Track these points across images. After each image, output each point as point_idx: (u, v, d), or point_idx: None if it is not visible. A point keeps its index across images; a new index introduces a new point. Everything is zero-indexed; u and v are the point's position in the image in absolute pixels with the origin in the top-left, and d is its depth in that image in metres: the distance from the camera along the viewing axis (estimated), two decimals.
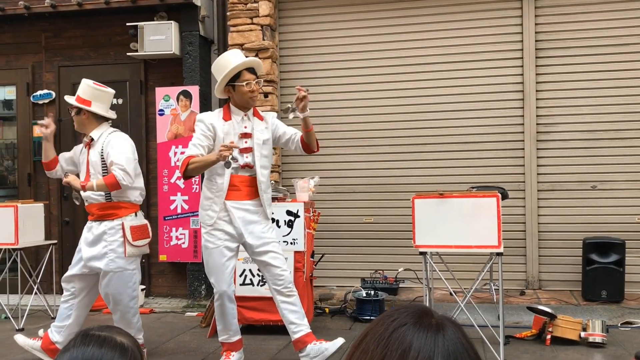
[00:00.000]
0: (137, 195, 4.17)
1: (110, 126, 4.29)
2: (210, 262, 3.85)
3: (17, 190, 6.81)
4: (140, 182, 4.20)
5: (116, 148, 4.04)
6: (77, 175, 4.26)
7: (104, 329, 1.12)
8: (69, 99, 4.21)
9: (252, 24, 5.87)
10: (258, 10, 5.86)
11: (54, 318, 5.49)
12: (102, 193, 4.06)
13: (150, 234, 4.26)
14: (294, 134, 3.94)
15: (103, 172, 4.07)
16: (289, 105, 3.74)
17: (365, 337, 0.88)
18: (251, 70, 3.84)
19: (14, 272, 5.64)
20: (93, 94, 4.17)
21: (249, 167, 3.83)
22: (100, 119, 4.20)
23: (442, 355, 0.82)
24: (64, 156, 4.38)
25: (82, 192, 4.12)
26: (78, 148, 4.35)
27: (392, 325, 0.87)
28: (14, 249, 5.27)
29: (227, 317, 3.90)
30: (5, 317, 5.43)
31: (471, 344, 0.87)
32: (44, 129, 4.26)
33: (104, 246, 4.02)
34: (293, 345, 3.92)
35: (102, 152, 4.07)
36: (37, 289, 5.52)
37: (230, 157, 3.59)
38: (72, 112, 4.22)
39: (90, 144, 4.14)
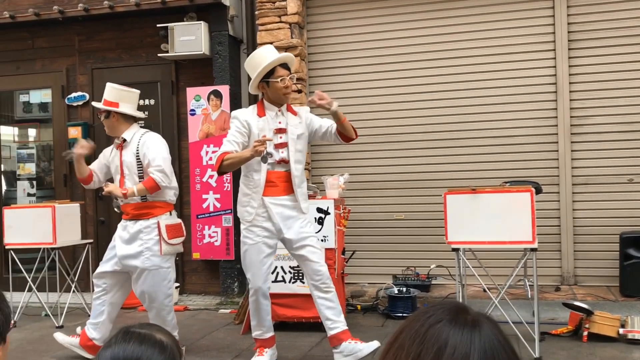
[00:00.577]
0: (171, 195, 4.23)
1: (141, 127, 4.36)
2: (248, 257, 3.88)
3: (53, 191, 6.97)
4: (174, 182, 4.25)
5: (152, 149, 4.10)
6: (111, 180, 4.35)
7: (145, 326, 1.15)
8: (97, 104, 4.29)
9: (281, 22, 5.90)
10: (286, 8, 5.88)
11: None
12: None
13: (184, 233, 4.33)
14: (330, 125, 3.92)
15: (139, 173, 4.13)
16: (265, 153, 3.69)
17: (401, 334, 0.88)
18: (285, 66, 3.86)
19: (52, 270, 5.79)
20: (119, 96, 4.25)
21: (284, 162, 3.84)
22: (130, 120, 4.26)
23: (479, 352, 0.82)
24: (96, 166, 4.44)
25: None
26: (107, 151, 4.41)
27: (428, 321, 0.87)
28: (52, 249, 5.40)
29: (261, 314, 3.93)
30: (45, 315, 5.57)
31: (508, 341, 0.87)
32: (79, 148, 4.23)
33: (139, 244, 4.09)
34: (329, 341, 3.94)
35: (137, 153, 4.13)
36: (75, 287, 5.64)
37: (266, 152, 3.62)
38: (102, 117, 4.28)
39: (122, 145, 4.21)
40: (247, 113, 3.90)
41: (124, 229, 4.20)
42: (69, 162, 6.71)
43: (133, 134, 4.21)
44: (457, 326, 0.85)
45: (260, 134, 3.78)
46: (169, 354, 1.10)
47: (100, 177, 4.43)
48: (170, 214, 4.22)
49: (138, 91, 4.42)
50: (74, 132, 6.63)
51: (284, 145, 3.84)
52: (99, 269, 4.28)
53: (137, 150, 4.13)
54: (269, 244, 3.87)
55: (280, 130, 3.84)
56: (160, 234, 4.10)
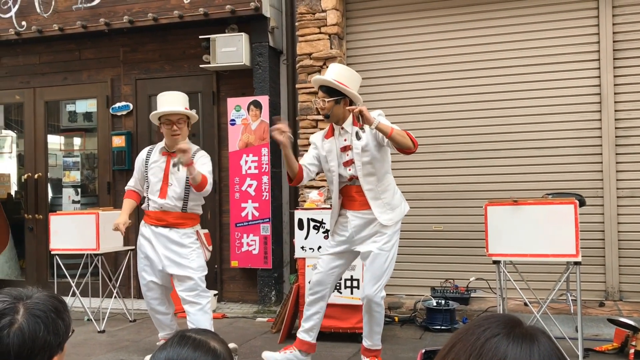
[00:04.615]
0: (200, 209, 4.45)
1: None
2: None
3: (97, 198, 7.14)
4: (202, 200, 4.46)
5: (207, 165, 4.25)
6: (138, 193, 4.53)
7: (201, 332, 1.17)
8: (178, 109, 4.27)
9: (320, 33, 5.94)
10: (326, 19, 5.92)
11: (132, 321, 5.73)
12: (180, 204, 4.23)
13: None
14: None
15: (186, 185, 4.24)
16: (358, 128, 3.75)
17: (454, 347, 0.87)
18: (323, 88, 3.87)
19: (95, 276, 5.92)
20: (187, 102, 4.44)
21: (355, 178, 3.84)
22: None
23: None
24: (137, 183, 4.50)
25: (157, 201, 4.26)
26: (141, 160, 4.44)
27: (484, 335, 0.85)
28: (96, 255, 5.53)
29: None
30: (88, 320, 5.69)
31: (564, 355, 0.85)
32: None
33: (181, 248, 4.22)
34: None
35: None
36: (117, 292, 5.76)
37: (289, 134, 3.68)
38: (182, 124, 4.28)
39: (172, 154, 4.28)
40: (318, 136, 4.04)
41: (157, 234, 4.25)
42: (113, 170, 6.89)
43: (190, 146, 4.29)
44: (515, 340, 0.83)
45: (328, 156, 3.88)
46: None
47: (143, 191, 4.53)
48: (199, 225, 4.45)
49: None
50: (118, 141, 6.80)
51: (350, 162, 3.83)
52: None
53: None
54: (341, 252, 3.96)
55: (346, 148, 3.85)
56: (201, 241, 4.28)
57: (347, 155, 3.83)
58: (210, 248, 4.49)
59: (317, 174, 4.07)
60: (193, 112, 4.42)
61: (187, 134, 4.38)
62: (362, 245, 3.87)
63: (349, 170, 3.83)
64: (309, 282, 4.23)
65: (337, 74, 3.85)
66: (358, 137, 3.77)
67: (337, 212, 3.94)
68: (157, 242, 4.27)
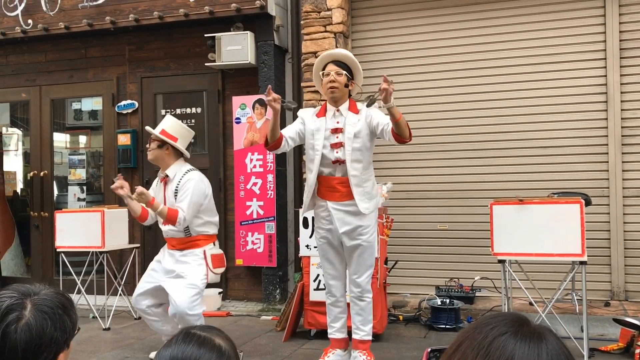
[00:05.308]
0: (212, 228, 4.39)
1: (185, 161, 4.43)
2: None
3: (102, 196, 7.16)
4: (215, 217, 4.42)
5: (186, 191, 4.18)
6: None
7: (205, 329, 1.17)
8: (154, 131, 4.33)
9: (326, 31, 5.93)
10: (331, 18, 5.92)
11: (137, 318, 5.74)
12: (182, 229, 4.25)
13: (225, 263, 4.48)
14: (387, 124, 3.72)
15: None
16: (372, 96, 3.70)
17: (461, 346, 0.86)
18: (337, 63, 3.86)
19: (100, 274, 5.93)
20: (180, 132, 4.37)
21: (340, 162, 3.82)
22: (178, 156, 4.36)
23: None
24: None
25: (162, 227, 4.33)
26: (155, 183, 4.53)
27: (492, 333, 0.85)
28: (101, 252, 5.54)
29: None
30: (93, 317, 5.71)
31: (571, 355, 0.85)
32: (120, 190, 4.21)
33: (182, 266, 4.21)
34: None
35: (176, 192, 4.26)
36: (122, 290, 5.77)
37: (285, 101, 3.67)
38: (153, 145, 4.32)
39: (165, 180, 4.33)
40: (308, 111, 4.01)
41: (170, 254, 4.31)
42: (119, 168, 6.91)
43: (176, 171, 4.29)
44: (523, 339, 0.83)
45: (315, 133, 3.84)
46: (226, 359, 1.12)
47: (153, 214, 4.39)
48: (214, 244, 4.38)
49: (193, 132, 4.58)
50: (124, 139, 6.81)
51: (339, 145, 3.81)
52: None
53: (177, 189, 4.24)
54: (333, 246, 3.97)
55: (337, 130, 3.83)
56: (206, 263, 4.25)
57: (337, 137, 3.82)
58: (219, 271, 4.34)
59: (292, 148, 4.05)
60: (158, 134, 4.28)
61: (166, 158, 4.30)
62: (349, 240, 3.87)
63: (337, 152, 3.81)
64: (323, 285, 4.30)
65: (351, 54, 3.96)
66: (369, 104, 3.73)
67: (312, 193, 3.90)
68: (168, 256, 4.33)
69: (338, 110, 3.87)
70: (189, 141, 4.46)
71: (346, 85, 3.86)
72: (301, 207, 4.10)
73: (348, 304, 4.08)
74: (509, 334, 0.84)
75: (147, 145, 4.40)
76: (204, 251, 4.27)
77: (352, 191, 3.78)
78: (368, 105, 3.77)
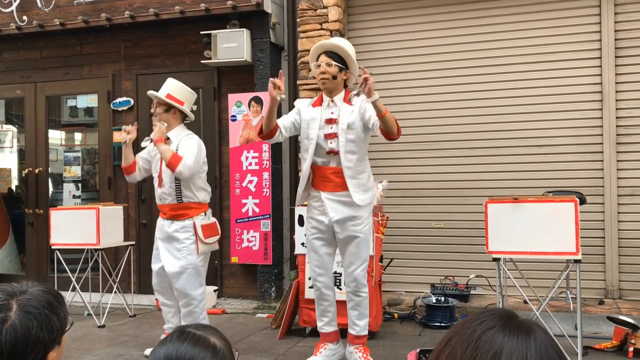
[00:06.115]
0: (205, 196, 4.37)
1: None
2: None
3: (98, 193, 7.14)
4: (209, 187, 4.43)
5: (186, 149, 4.20)
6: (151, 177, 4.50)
7: (200, 328, 1.17)
8: (160, 95, 4.29)
9: (322, 29, 5.93)
10: (327, 15, 5.91)
11: (132, 316, 5.74)
12: (174, 193, 4.24)
13: (219, 231, 4.46)
14: (377, 119, 3.63)
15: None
16: (356, 91, 3.71)
17: (451, 341, 0.87)
18: (329, 54, 3.84)
19: (95, 271, 5.93)
20: (185, 95, 4.38)
21: (334, 153, 3.81)
22: (181, 119, 4.39)
23: (535, 357, 0.82)
24: (140, 156, 4.56)
25: (157, 191, 4.35)
26: (152, 146, 4.49)
27: (480, 327, 0.86)
28: (96, 250, 5.54)
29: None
30: (88, 314, 5.70)
31: (560, 348, 0.86)
32: (125, 134, 4.41)
33: (177, 244, 4.23)
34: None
35: (176, 152, 4.23)
36: (117, 288, 5.76)
37: (280, 97, 3.64)
38: (159, 109, 4.30)
39: (165, 142, 4.29)
40: (305, 102, 4.00)
41: (161, 228, 4.34)
42: (114, 165, 6.90)
43: (178, 134, 4.31)
44: (512, 332, 0.84)
45: (309, 123, 3.84)
46: (221, 358, 1.12)
47: (143, 171, 4.51)
48: (205, 214, 4.35)
49: (196, 94, 4.59)
50: (119, 136, 6.79)
51: (333, 135, 3.81)
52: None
53: (177, 149, 4.23)
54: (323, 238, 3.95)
55: (331, 121, 3.83)
56: (196, 234, 4.22)
57: (331, 128, 3.82)
58: (212, 240, 4.35)
59: (286, 138, 4.05)
60: (176, 104, 4.31)
61: (172, 122, 4.31)
62: (342, 230, 3.86)
63: (330, 143, 3.81)
64: (309, 279, 4.24)
65: (344, 44, 3.89)
66: (351, 100, 3.74)
67: (306, 184, 3.91)
68: (161, 240, 4.35)
69: (332, 101, 3.87)
70: (193, 102, 4.48)
71: (334, 77, 3.82)
72: (297, 205, 4.10)
73: (340, 301, 4.09)
74: (497, 327, 0.85)
75: (152, 110, 4.39)
76: (194, 223, 4.24)
77: (346, 182, 3.78)
78: (350, 99, 3.78)
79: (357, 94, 3.70)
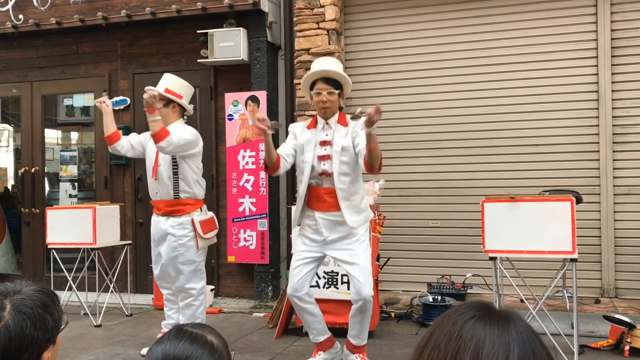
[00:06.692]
0: (200, 191, 4.39)
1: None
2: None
3: (94, 192, 7.13)
4: (204, 181, 4.45)
5: (181, 131, 4.22)
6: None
7: (197, 326, 1.17)
8: (159, 90, 4.25)
9: (319, 28, 5.92)
10: (324, 15, 5.91)
11: (128, 315, 5.73)
12: (171, 188, 4.23)
13: (217, 225, 4.49)
14: (363, 148, 3.60)
15: (173, 165, 4.26)
16: (360, 110, 3.65)
17: (433, 335, 0.90)
18: (328, 80, 3.78)
19: (91, 270, 5.91)
20: (183, 89, 4.38)
21: (326, 174, 3.79)
22: (180, 114, 4.39)
23: (518, 343, 0.84)
24: (134, 137, 4.55)
25: (150, 184, 4.37)
26: (149, 135, 4.42)
27: (460, 318, 0.89)
28: (92, 249, 5.53)
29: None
30: (84, 314, 5.69)
31: (537, 334, 0.90)
32: (103, 104, 4.42)
33: (173, 241, 4.24)
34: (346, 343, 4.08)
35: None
36: (113, 287, 5.75)
37: (272, 123, 3.56)
38: (159, 104, 4.21)
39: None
40: (299, 125, 3.99)
41: (156, 226, 4.36)
42: (110, 164, 6.89)
43: (177, 128, 4.28)
44: (492, 321, 0.87)
45: (305, 146, 3.83)
46: (218, 357, 1.12)
47: (131, 147, 4.47)
48: (202, 210, 4.37)
49: (193, 88, 4.60)
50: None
51: (327, 157, 3.79)
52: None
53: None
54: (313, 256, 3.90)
55: (325, 143, 3.82)
56: (195, 230, 4.24)
57: (325, 150, 3.80)
58: (211, 234, 4.35)
59: (293, 165, 3.99)
60: (175, 98, 4.31)
61: (171, 116, 4.29)
62: (338, 250, 3.81)
63: (323, 165, 3.79)
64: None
65: (339, 67, 3.84)
66: (351, 118, 3.65)
67: (302, 205, 3.88)
68: (157, 241, 4.37)
69: (327, 123, 3.85)
70: (190, 97, 4.48)
71: (339, 95, 3.82)
72: (294, 204, 4.08)
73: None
74: (477, 317, 0.88)
75: (145, 108, 4.37)
76: (192, 219, 4.25)
77: (339, 203, 3.75)
78: (352, 119, 3.75)
79: (359, 117, 3.59)
